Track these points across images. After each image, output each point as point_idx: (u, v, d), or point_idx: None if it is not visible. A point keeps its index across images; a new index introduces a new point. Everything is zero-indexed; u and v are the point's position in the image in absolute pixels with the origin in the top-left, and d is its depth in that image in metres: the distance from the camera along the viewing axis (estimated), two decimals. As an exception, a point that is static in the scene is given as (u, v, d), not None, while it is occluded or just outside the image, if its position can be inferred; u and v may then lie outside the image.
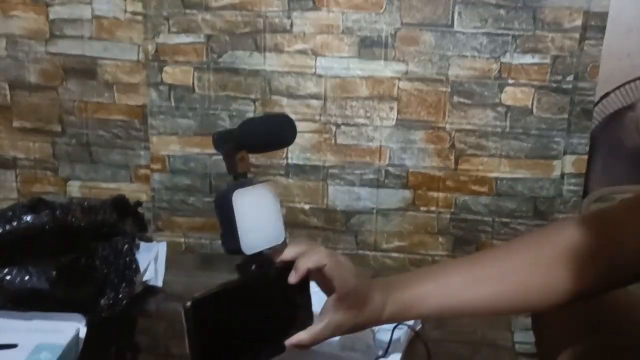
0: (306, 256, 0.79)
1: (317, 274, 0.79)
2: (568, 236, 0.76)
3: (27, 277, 1.06)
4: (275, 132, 0.79)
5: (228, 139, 0.79)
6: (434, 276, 0.80)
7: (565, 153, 1.40)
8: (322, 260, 0.78)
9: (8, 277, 1.06)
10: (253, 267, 0.79)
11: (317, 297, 0.81)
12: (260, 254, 0.80)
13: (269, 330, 0.82)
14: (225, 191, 0.77)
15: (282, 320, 0.84)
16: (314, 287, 0.82)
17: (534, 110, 1.39)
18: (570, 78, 1.37)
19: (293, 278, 0.79)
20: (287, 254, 0.79)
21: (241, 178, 0.79)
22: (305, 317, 0.85)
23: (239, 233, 0.77)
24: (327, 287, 0.79)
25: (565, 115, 1.38)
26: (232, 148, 0.79)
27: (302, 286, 0.84)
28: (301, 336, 0.79)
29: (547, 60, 1.37)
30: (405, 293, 0.79)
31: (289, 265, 0.82)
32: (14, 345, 0.96)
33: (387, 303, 0.79)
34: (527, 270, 0.77)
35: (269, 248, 0.80)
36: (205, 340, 0.74)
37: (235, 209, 0.77)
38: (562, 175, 1.41)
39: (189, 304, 0.73)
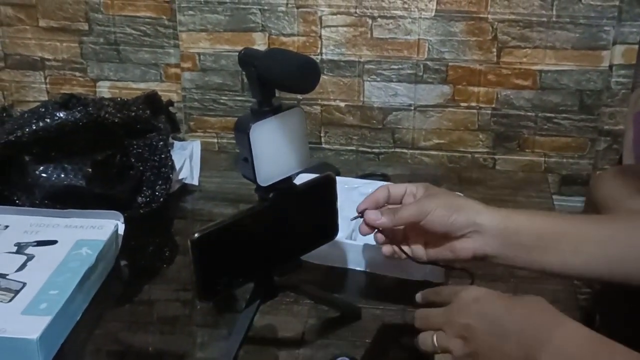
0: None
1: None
2: None
3: (62, 174, 1.05)
4: (292, 77, 0.70)
5: (250, 63, 0.72)
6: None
7: (614, 43, 1.33)
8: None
9: (44, 175, 1.05)
10: (271, 194, 0.76)
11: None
12: (284, 180, 0.77)
13: (290, 246, 0.82)
14: (244, 120, 0.73)
15: (305, 236, 0.84)
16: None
17: (583, -3, 1.32)
18: (620, -40, 1.28)
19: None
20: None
21: (265, 103, 0.73)
22: (330, 230, 0.86)
23: (255, 166, 0.73)
24: None
25: (616, 2, 1.30)
26: (253, 72, 0.72)
27: (330, 201, 0.84)
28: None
29: (598, -57, 1.29)
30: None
31: (317, 182, 0.82)
32: (54, 242, 0.96)
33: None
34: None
35: (286, 177, 0.77)
36: (210, 272, 0.74)
37: (252, 143, 0.72)
38: (611, 67, 1.34)
39: (195, 236, 0.72)
